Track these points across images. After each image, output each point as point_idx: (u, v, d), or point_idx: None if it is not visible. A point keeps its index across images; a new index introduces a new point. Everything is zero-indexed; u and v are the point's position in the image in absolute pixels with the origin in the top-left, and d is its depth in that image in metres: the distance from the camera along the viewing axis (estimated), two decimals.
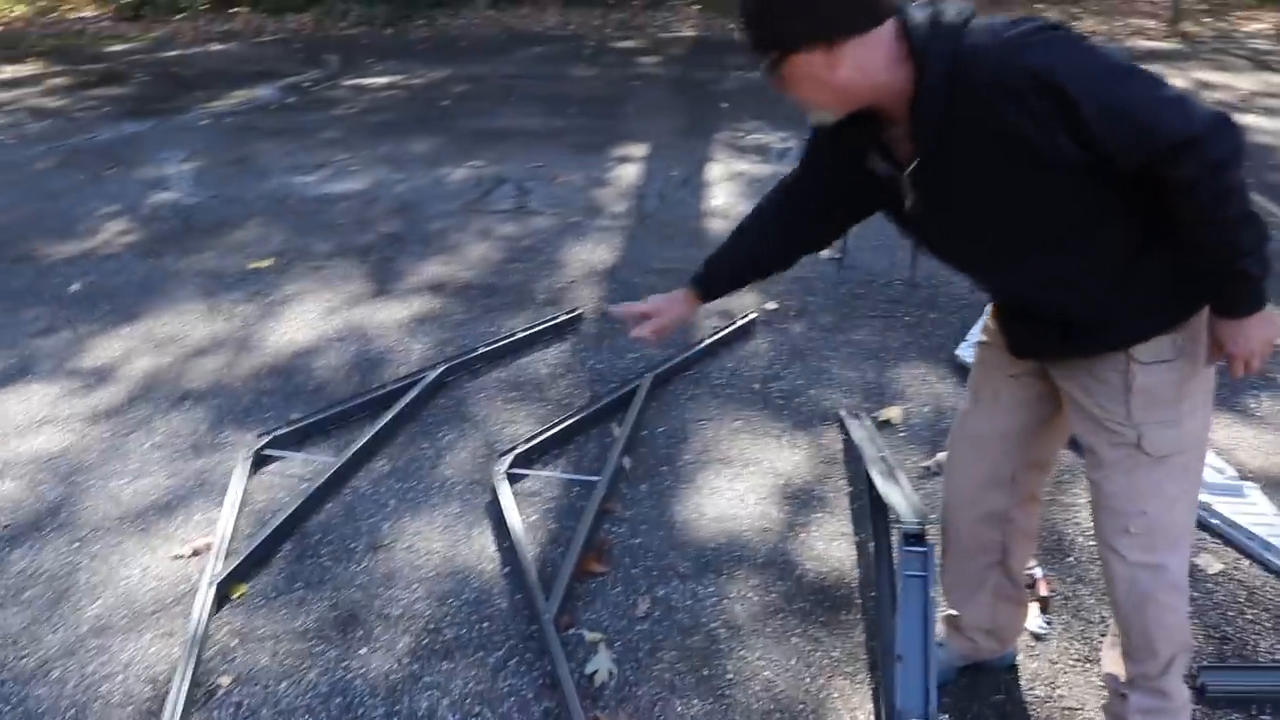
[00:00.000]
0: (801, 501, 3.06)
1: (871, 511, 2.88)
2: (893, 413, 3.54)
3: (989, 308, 2.07)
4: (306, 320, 4.38)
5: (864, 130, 1.73)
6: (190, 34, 14.14)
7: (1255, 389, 3.61)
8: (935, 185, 1.69)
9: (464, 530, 2.96)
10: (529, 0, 13.95)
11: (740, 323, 4.13)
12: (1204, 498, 2.93)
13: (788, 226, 2.03)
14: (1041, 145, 1.53)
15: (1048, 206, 1.64)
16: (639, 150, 7.02)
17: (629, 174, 6.47)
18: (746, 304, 4.37)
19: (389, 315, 4.41)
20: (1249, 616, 2.54)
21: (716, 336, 4.01)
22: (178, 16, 15.26)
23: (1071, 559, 2.75)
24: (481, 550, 2.87)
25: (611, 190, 6.12)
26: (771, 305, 4.37)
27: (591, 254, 5.06)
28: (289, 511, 2.95)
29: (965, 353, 3.85)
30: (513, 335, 4.07)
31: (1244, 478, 3.12)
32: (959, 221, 1.74)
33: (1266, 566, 2.72)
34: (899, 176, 1.72)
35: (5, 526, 3.06)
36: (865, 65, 1.59)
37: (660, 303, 2.12)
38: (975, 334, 3.92)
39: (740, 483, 3.16)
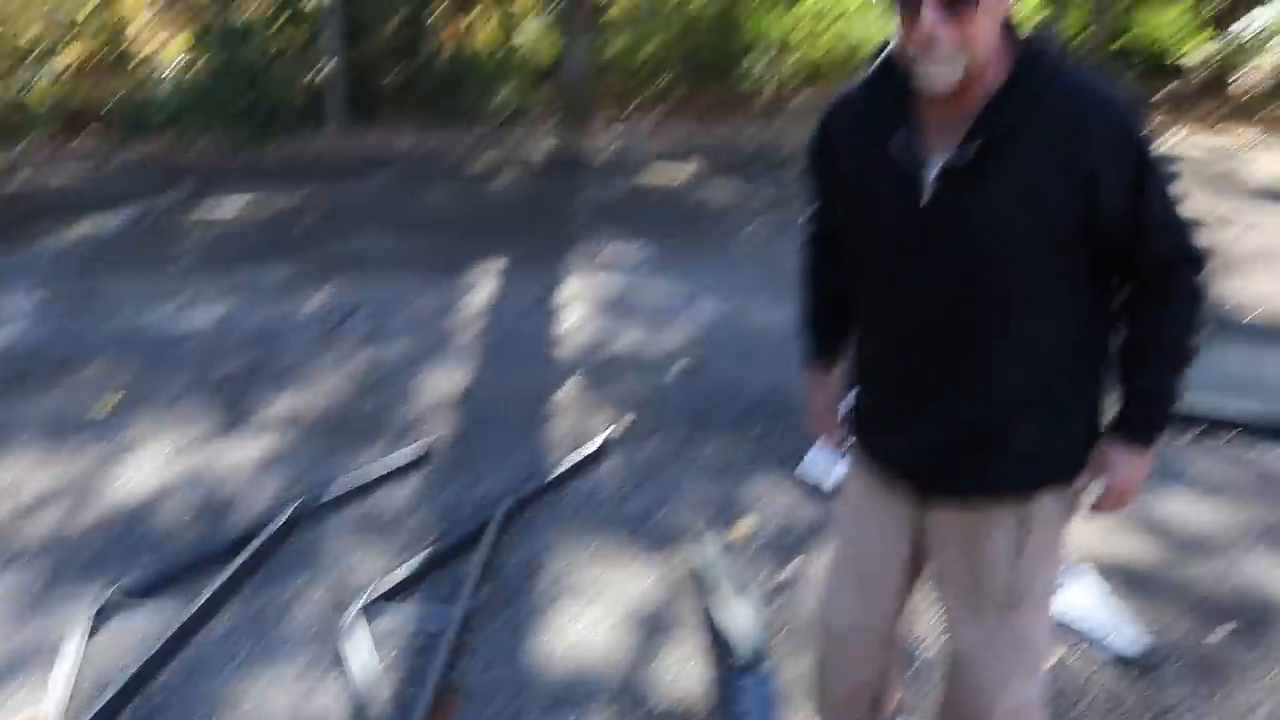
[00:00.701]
0: (653, 628, 3.10)
1: (714, 641, 2.94)
2: (743, 528, 3.62)
3: (862, 443, 2.03)
4: (153, 463, 4.28)
5: (898, 110, 1.73)
6: (39, 159, 13.81)
7: None
8: (968, 180, 1.66)
9: (316, 680, 2.91)
10: (387, 120, 14.05)
11: (594, 445, 4.19)
12: None
13: (834, 274, 2.04)
14: (1099, 185, 1.62)
15: (1049, 252, 1.68)
16: (493, 271, 7.11)
17: (482, 296, 6.54)
18: (599, 424, 4.45)
19: (241, 454, 4.34)
20: (1081, 707, 2.65)
21: (570, 461, 4.06)
22: (25, 141, 14.89)
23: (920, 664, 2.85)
24: (334, 700, 2.82)
25: (465, 313, 6.18)
26: (625, 422, 4.46)
27: (445, 380, 5.08)
28: (130, 674, 2.85)
29: (806, 472, 3.97)
30: (366, 469, 4.05)
31: (1080, 562, 3.28)
32: (966, 229, 1.69)
33: (1100, 651, 2.85)
34: (921, 166, 1.70)
35: None
36: (997, 27, 1.65)
37: (823, 409, 2.13)
38: (819, 453, 4.04)
39: (594, 610, 3.19)
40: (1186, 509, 3.74)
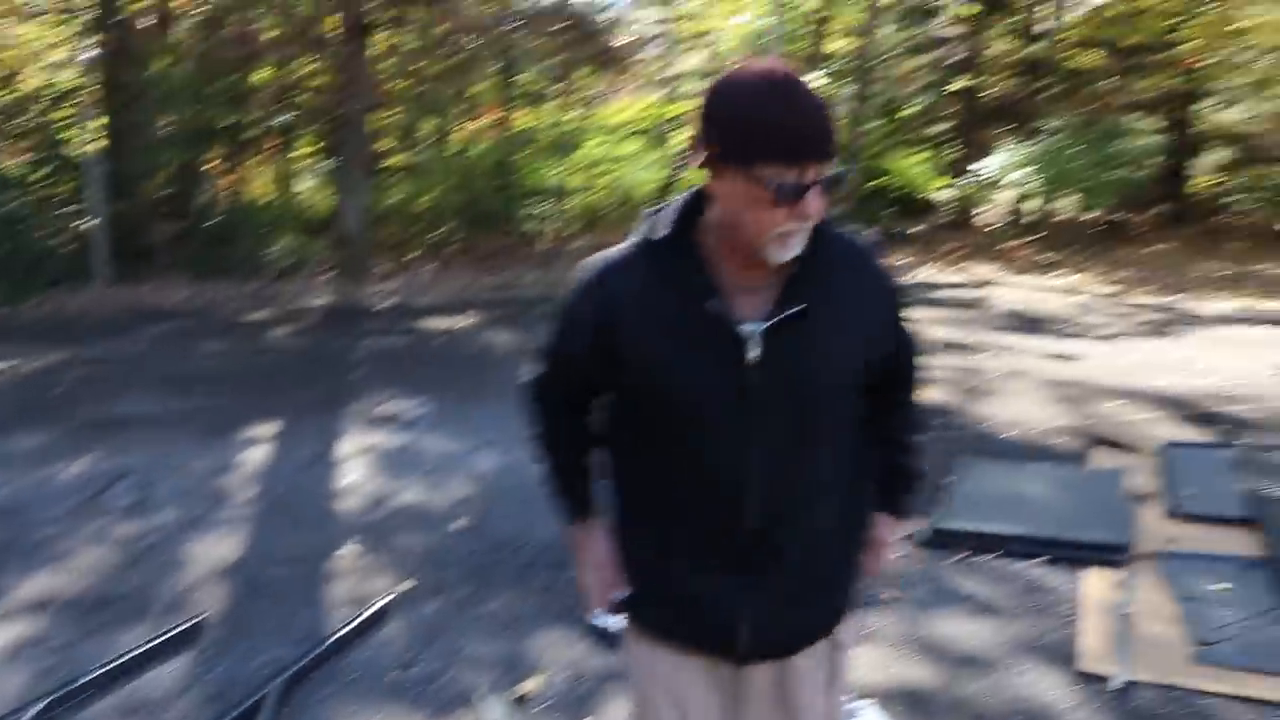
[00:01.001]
0: None
1: None
2: (532, 684, 3.59)
3: (651, 618, 1.99)
4: None
5: (699, 274, 1.76)
6: None
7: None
8: (789, 337, 1.74)
9: None
10: (159, 274, 13.58)
11: (373, 608, 4.09)
12: None
13: (586, 430, 2.03)
14: (881, 327, 1.91)
15: (852, 392, 1.89)
16: (269, 429, 6.92)
17: (258, 456, 6.34)
18: (380, 586, 4.35)
19: None
20: None
21: (349, 627, 3.94)
22: None
23: None
24: None
25: (239, 475, 5.97)
26: (407, 584, 4.37)
27: (216, 549, 4.87)
28: None
29: (598, 614, 3.99)
30: (128, 653, 3.80)
31: (862, 692, 3.39)
32: (792, 383, 1.76)
33: None
34: (737, 329, 1.73)
35: None
36: None
37: (604, 567, 2.03)
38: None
39: None
40: (958, 628, 3.95)
